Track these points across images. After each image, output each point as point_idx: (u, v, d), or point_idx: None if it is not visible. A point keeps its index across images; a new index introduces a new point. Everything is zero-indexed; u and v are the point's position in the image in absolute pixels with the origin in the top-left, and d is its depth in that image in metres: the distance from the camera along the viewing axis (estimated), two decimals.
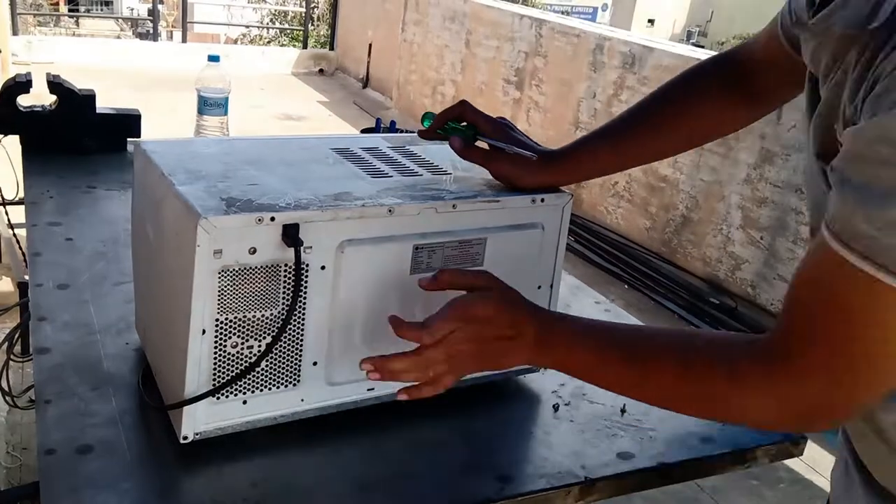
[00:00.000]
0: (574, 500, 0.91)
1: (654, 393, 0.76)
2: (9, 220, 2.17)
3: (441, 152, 1.09)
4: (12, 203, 1.92)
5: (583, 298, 1.39)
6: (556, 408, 1.06)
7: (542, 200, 0.99)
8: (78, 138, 1.78)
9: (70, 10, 20.54)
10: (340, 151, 1.05)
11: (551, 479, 0.91)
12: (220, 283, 0.82)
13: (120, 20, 20.69)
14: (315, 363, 0.91)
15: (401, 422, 0.98)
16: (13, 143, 1.77)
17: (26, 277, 1.69)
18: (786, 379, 0.65)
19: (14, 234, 2.25)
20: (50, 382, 0.97)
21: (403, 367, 0.79)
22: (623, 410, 1.07)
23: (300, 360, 0.90)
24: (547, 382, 1.11)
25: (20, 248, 2.23)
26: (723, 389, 0.69)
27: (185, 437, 0.87)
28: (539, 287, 1.04)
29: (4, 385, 1.92)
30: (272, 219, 0.81)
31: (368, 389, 0.97)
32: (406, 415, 0.99)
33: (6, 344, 1.89)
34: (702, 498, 2.15)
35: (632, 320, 1.35)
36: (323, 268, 0.87)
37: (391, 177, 0.97)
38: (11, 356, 1.91)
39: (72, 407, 0.93)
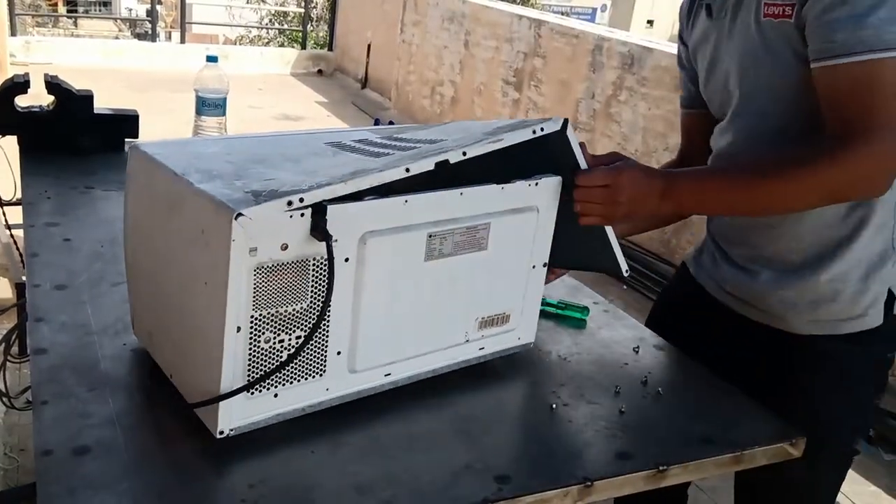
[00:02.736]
0: (573, 500, 0.91)
1: (780, 197, 1.07)
2: (6, 220, 2.16)
3: (435, 129, 1.11)
4: (10, 203, 1.92)
5: (581, 299, 1.39)
6: (554, 408, 1.06)
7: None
8: (76, 139, 1.78)
9: (68, 11, 20.50)
10: (335, 145, 1.05)
11: (550, 480, 0.91)
12: (255, 280, 0.83)
13: (118, 21, 20.67)
14: (339, 353, 0.94)
15: (399, 422, 0.98)
16: (11, 143, 1.77)
17: (24, 278, 1.68)
18: (875, 144, 0.99)
19: (12, 235, 2.24)
20: (47, 383, 0.96)
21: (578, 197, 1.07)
22: (622, 411, 1.07)
23: (326, 351, 0.93)
24: (546, 383, 1.11)
25: (18, 248, 2.23)
26: (830, 167, 1.02)
27: (221, 432, 0.88)
28: (534, 267, 1.08)
29: (1, 386, 1.92)
30: (301, 200, 0.82)
31: (385, 375, 1.00)
32: (404, 415, 0.99)
33: (3, 345, 1.89)
34: (700, 498, 2.14)
35: (630, 321, 1.36)
36: (347, 260, 0.90)
37: (393, 154, 0.98)
38: (9, 357, 1.91)
39: (69, 408, 0.93)
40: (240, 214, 0.79)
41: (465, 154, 0.93)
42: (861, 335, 1.18)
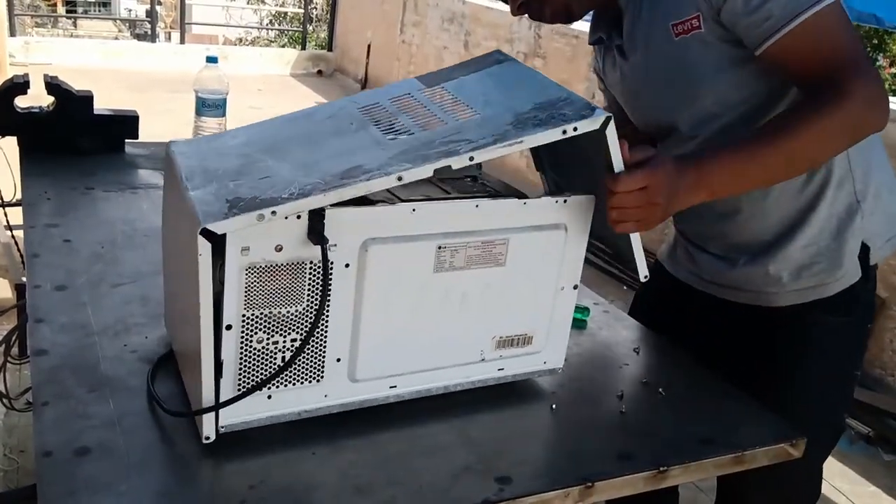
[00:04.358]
0: (573, 501, 0.91)
1: (812, 148, 1.05)
2: (7, 221, 2.16)
3: (478, 83, 1.04)
4: (10, 204, 1.92)
5: (581, 299, 1.39)
6: (554, 408, 1.06)
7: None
8: (75, 139, 1.77)
9: (68, 12, 20.47)
10: (367, 110, 1.00)
11: (551, 481, 0.91)
12: (247, 279, 0.83)
13: (118, 21, 20.65)
14: (338, 360, 0.93)
15: (399, 423, 0.98)
16: (11, 144, 1.77)
17: (24, 279, 1.68)
18: (865, 83, 1.03)
19: (12, 236, 2.24)
20: (47, 384, 0.96)
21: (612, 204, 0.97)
22: (622, 412, 1.06)
23: (324, 357, 0.91)
24: (546, 383, 1.11)
25: (18, 249, 2.22)
26: (843, 113, 1.02)
27: (207, 438, 0.88)
28: (562, 288, 1.04)
29: (2, 387, 1.91)
30: (273, 213, 0.81)
31: (391, 387, 0.98)
32: (405, 416, 0.99)
33: (4, 346, 1.89)
34: (700, 499, 2.14)
35: (630, 322, 1.35)
36: (347, 265, 0.88)
37: (412, 133, 0.93)
38: (9, 358, 1.91)
39: (69, 409, 0.93)
40: (205, 229, 0.79)
41: (472, 159, 0.88)
42: (842, 301, 1.22)
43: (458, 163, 0.87)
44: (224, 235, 0.81)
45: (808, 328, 1.23)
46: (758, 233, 1.22)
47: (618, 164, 0.94)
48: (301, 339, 0.88)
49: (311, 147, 0.95)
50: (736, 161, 1.04)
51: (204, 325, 0.83)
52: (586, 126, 0.90)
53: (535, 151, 1.14)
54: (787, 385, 1.22)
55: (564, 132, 0.89)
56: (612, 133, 0.92)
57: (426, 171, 0.86)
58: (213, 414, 0.87)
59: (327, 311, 0.89)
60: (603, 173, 0.96)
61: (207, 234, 0.79)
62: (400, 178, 0.85)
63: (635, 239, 1.03)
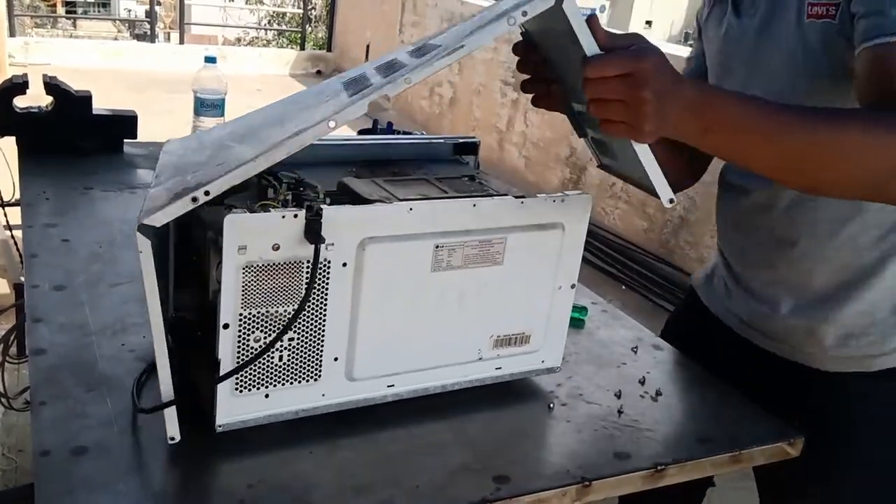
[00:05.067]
0: (571, 500, 0.91)
1: (817, 150, 0.86)
2: (6, 221, 2.16)
3: (464, 24, 0.98)
4: (9, 204, 1.92)
5: (580, 299, 1.39)
6: (552, 407, 1.06)
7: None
8: (74, 140, 1.77)
9: (67, 12, 20.47)
10: (349, 81, 0.98)
11: (548, 480, 0.91)
12: (244, 278, 0.83)
13: (117, 21, 20.63)
14: (336, 359, 0.92)
15: (397, 423, 0.98)
16: (10, 144, 1.77)
17: (22, 279, 1.68)
18: None
19: (12, 236, 2.24)
20: (45, 384, 0.96)
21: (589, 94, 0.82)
22: (620, 411, 1.07)
23: (321, 356, 0.91)
24: (544, 383, 1.11)
25: (17, 249, 2.22)
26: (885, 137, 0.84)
27: (172, 439, 0.87)
28: (560, 287, 1.04)
29: (0, 387, 1.91)
30: (206, 193, 0.78)
31: (388, 386, 0.98)
32: (403, 415, 0.99)
33: (2, 345, 1.89)
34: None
35: (628, 321, 1.36)
36: (344, 265, 0.88)
37: (371, 84, 0.87)
38: (7, 358, 1.91)
39: (67, 409, 0.93)
40: (141, 225, 0.77)
41: (408, 81, 0.79)
42: (889, 373, 1.10)
43: (393, 90, 0.79)
44: (166, 230, 0.79)
45: (855, 398, 1.11)
46: (809, 277, 1.10)
47: (588, 45, 0.79)
48: (297, 338, 0.88)
49: (280, 125, 0.93)
50: (742, 108, 0.86)
51: (154, 322, 0.81)
52: (537, 6, 0.77)
53: (571, 114, 1.05)
54: (837, 459, 1.11)
55: (511, 21, 0.78)
56: (571, 7, 0.78)
57: (360, 108, 0.80)
58: (175, 414, 0.86)
59: (324, 310, 0.89)
60: None
61: (144, 228, 0.77)
62: (333, 124, 0.79)
63: (647, 158, 0.87)
